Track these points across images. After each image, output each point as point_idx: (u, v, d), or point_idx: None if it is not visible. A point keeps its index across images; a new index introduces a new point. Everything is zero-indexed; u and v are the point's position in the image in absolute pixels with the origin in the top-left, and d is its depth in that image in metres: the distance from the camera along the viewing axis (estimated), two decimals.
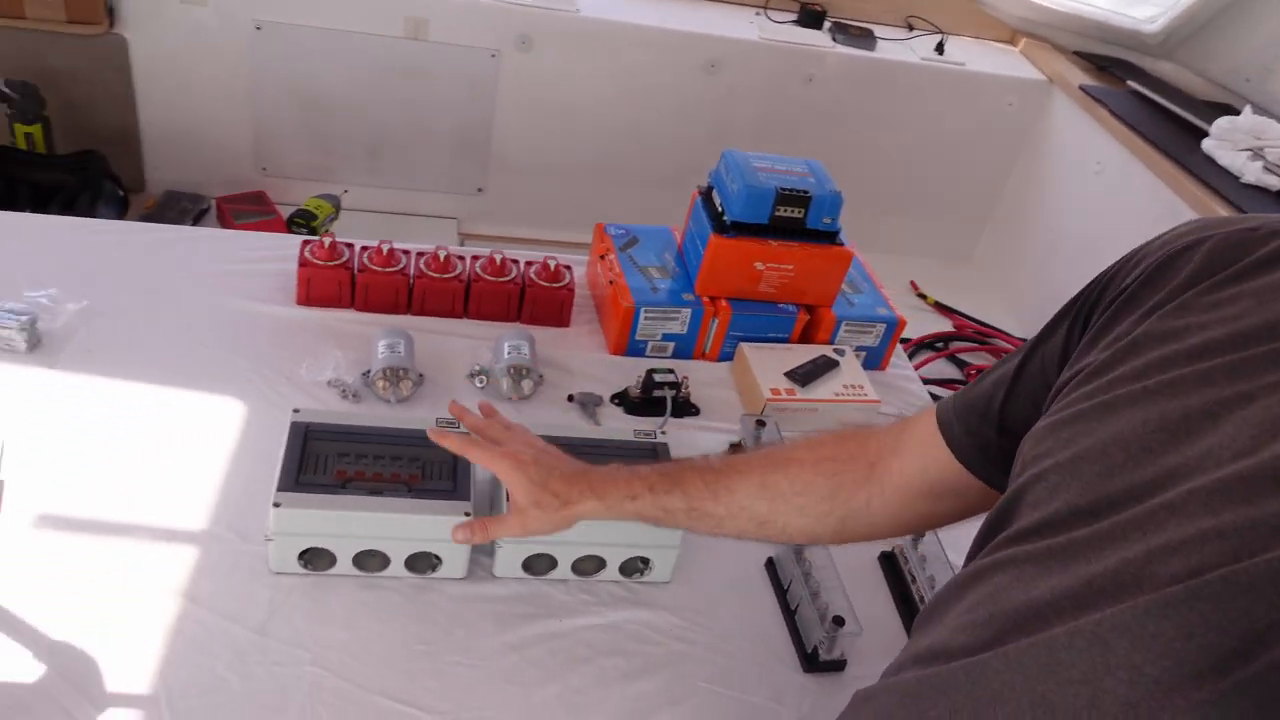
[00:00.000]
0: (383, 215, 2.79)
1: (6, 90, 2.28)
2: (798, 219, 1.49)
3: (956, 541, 1.26)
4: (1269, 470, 0.53)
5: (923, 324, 2.83)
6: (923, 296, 2.97)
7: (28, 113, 2.32)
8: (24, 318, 1.27)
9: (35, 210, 2.16)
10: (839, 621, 1.09)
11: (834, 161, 1.63)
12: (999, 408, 0.81)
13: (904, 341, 1.94)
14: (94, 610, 1.00)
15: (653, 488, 0.97)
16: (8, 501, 1.08)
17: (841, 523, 0.93)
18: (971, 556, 0.72)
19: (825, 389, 1.47)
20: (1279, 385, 0.56)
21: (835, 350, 1.54)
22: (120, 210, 2.38)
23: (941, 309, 2.95)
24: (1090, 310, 0.73)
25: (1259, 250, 0.64)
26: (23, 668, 0.94)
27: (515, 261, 1.55)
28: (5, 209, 2.13)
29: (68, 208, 2.20)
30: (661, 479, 0.97)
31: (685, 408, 1.45)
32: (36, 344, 1.29)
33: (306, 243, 1.48)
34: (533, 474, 0.99)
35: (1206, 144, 2.53)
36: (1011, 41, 3.14)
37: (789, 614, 1.18)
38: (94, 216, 2.22)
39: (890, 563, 1.28)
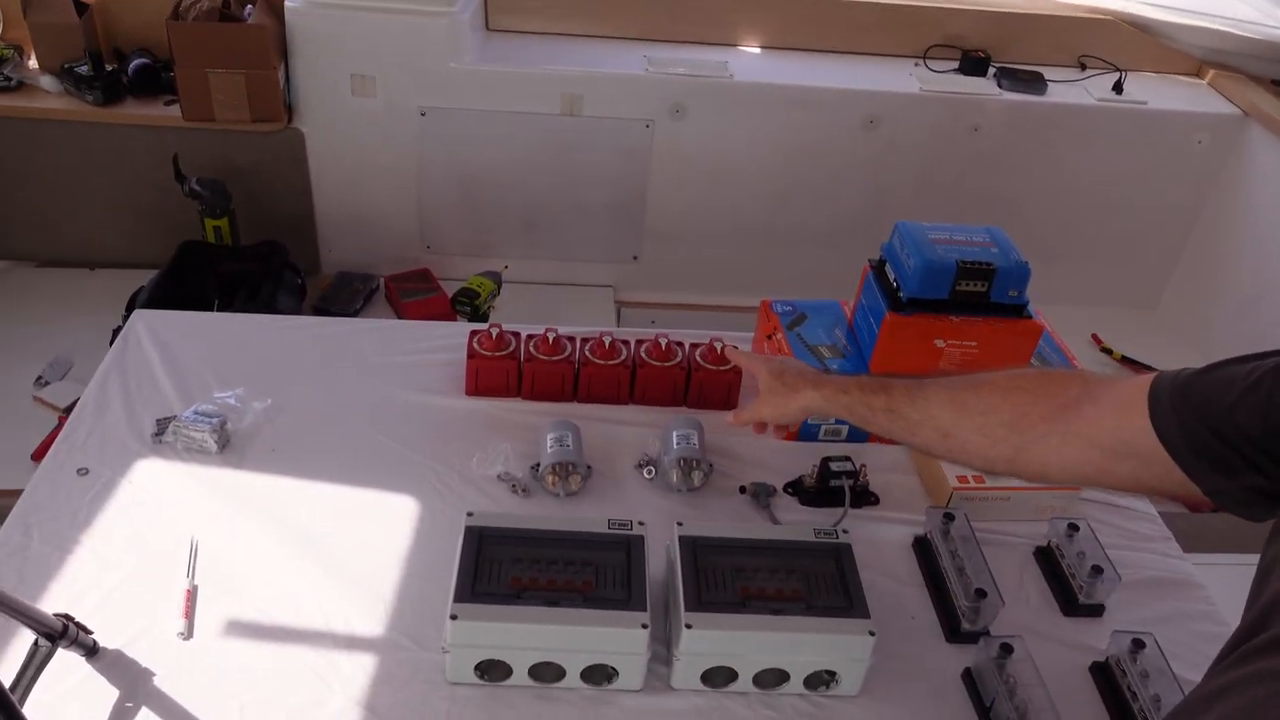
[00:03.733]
0: (542, 287, 2.83)
1: (198, 188, 2.45)
2: (981, 293, 1.39)
3: (1181, 653, 1.13)
4: None
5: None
6: (1108, 351, 2.77)
7: (216, 208, 2.48)
8: (215, 419, 1.32)
9: (223, 299, 2.31)
10: None
11: (1002, 213, 1.54)
12: (1223, 409, 0.74)
13: None
14: (281, 719, 1.01)
15: (862, 386, 1.09)
16: (200, 605, 1.11)
17: (1017, 451, 0.92)
18: (1220, 661, 0.64)
19: None
20: None
21: None
22: (300, 295, 2.50)
23: (1129, 363, 2.73)
24: None
25: None
26: None
27: (680, 344, 1.52)
28: (197, 298, 2.29)
29: (253, 296, 2.32)
30: (871, 381, 1.09)
31: (864, 497, 1.37)
32: (226, 444, 1.34)
33: (474, 333, 1.49)
34: (772, 365, 1.22)
35: None
36: (1198, 74, 2.92)
37: None
38: (275, 303, 2.35)
39: (1105, 675, 1.15)
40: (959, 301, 1.40)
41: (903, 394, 1.04)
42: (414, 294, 2.66)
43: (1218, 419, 0.74)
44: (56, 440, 1.33)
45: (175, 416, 1.34)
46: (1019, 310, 1.42)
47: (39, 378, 2.29)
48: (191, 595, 1.12)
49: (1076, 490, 1.36)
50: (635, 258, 2.88)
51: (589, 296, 2.85)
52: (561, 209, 2.78)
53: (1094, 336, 2.80)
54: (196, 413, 1.33)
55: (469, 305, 2.58)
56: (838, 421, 1.46)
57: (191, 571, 1.15)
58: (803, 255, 2.78)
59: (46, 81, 2.53)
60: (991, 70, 2.74)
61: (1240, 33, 2.76)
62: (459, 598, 1.03)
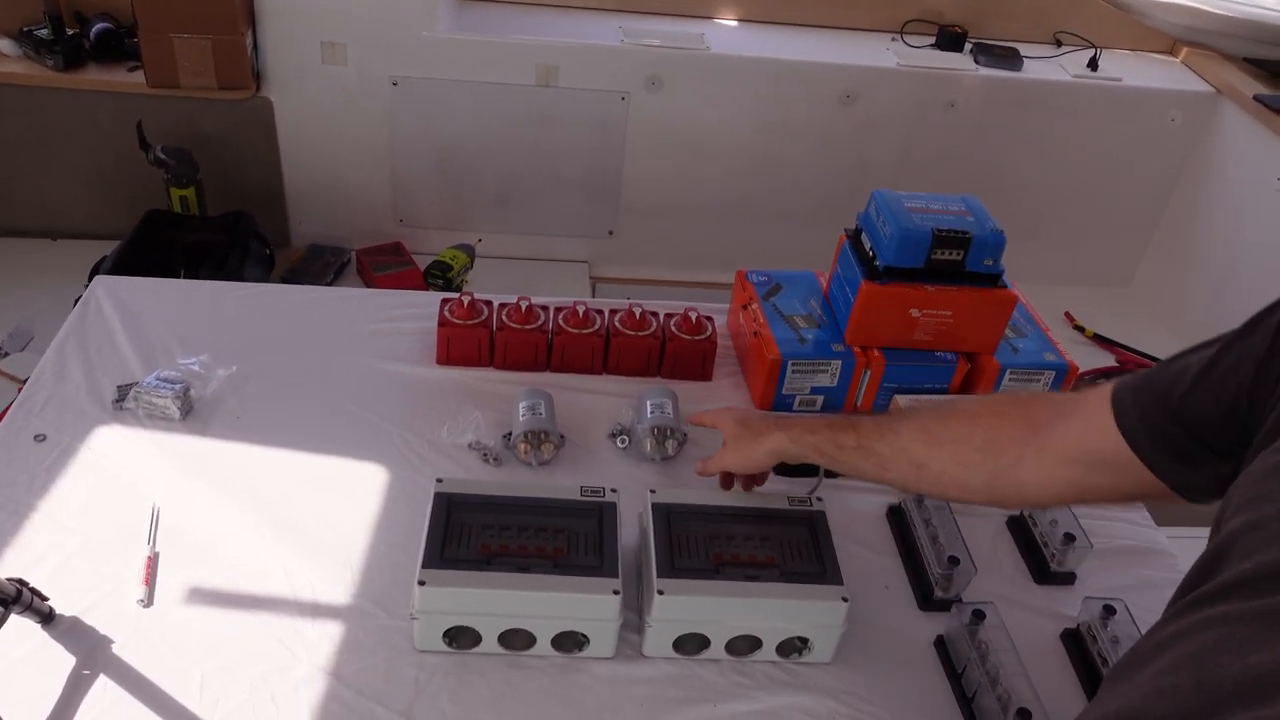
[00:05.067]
0: (516, 261, 2.80)
1: (163, 156, 2.39)
2: (957, 261, 1.39)
3: (1151, 619, 1.13)
4: None
5: (1081, 359, 2.63)
6: (1080, 329, 2.78)
7: (182, 177, 2.43)
8: (178, 386, 1.29)
9: (189, 269, 2.26)
10: (1024, 715, 0.98)
11: (979, 189, 1.53)
12: (1180, 397, 0.76)
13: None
14: (243, 687, 0.99)
15: (830, 425, 1.06)
16: (161, 573, 1.09)
17: (993, 476, 0.92)
18: (1171, 607, 0.64)
19: None
20: None
21: None
22: (268, 267, 2.46)
23: (1101, 341, 2.75)
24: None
25: None
26: None
27: (655, 314, 1.50)
28: (162, 269, 2.24)
29: (219, 267, 2.27)
30: (839, 420, 1.07)
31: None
32: (189, 411, 1.31)
33: (445, 301, 1.47)
34: (736, 414, 1.19)
35: None
36: (1172, 52, 2.92)
37: (965, 701, 1.07)
38: (243, 274, 2.30)
39: (1076, 641, 1.15)
40: (935, 270, 1.39)
41: (872, 430, 1.02)
42: (386, 267, 2.63)
43: (1178, 408, 0.75)
44: (13, 407, 1.29)
45: (137, 383, 1.31)
46: (994, 280, 1.41)
47: None
48: (152, 562, 1.09)
49: None
50: (611, 233, 2.85)
51: (564, 272, 2.82)
52: (536, 182, 2.75)
53: (1067, 314, 2.81)
54: (159, 378, 1.30)
55: (441, 278, 2.54)
56: (813, 390, 1.45)
57: (153, 538, 1.12)
58: (780, 230, 2.76)
59: (4, 45, 2.46)
60: (968, 46, 2.73)
61: (1214, 10, 2.76)
62: (427, 563, 1.01)
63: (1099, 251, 3.00)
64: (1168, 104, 2.73)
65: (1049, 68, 2.72)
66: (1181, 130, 2.77)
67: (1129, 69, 2.77)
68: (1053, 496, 0.94)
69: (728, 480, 1.21)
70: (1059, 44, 2.82)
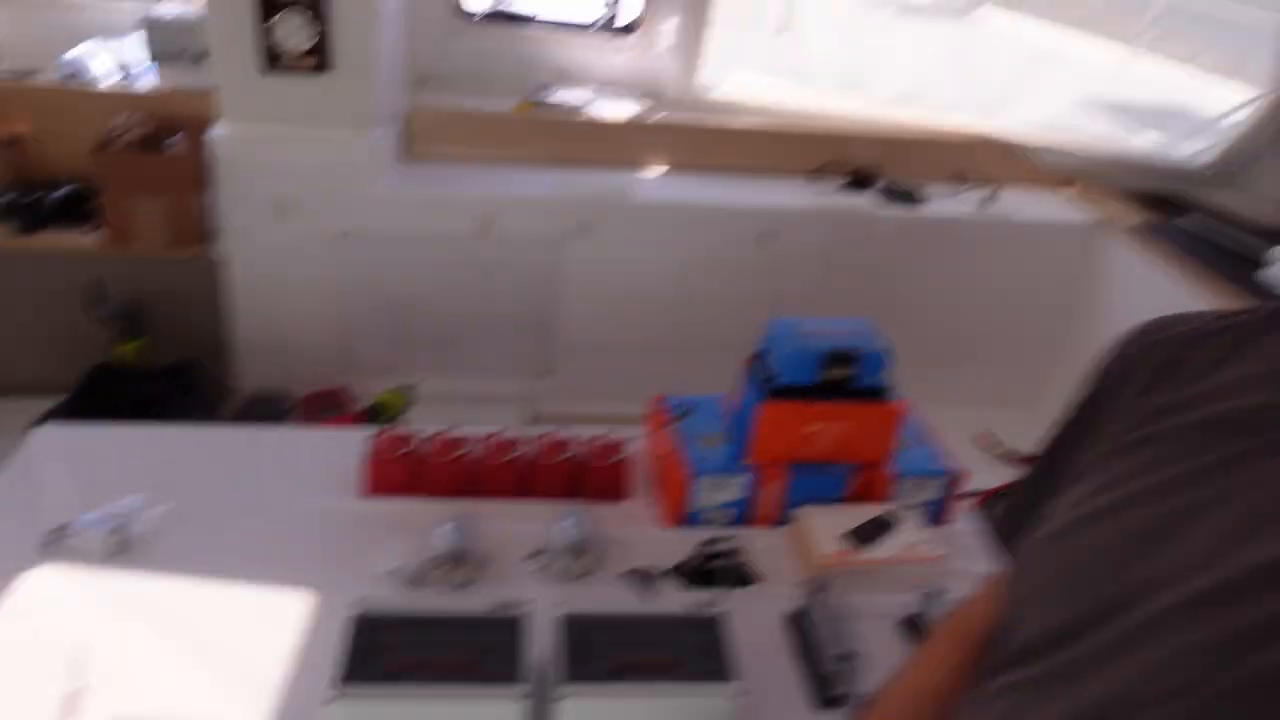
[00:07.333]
0: (457, 404, 2.89)
1: (114, 312, 2.50)
2: (847, 378, 1.50)
3: None
4: (1242, 577, 0.53)
5: (1000, 474, 2.74)
6: (996, 446, 2.90)
7: (131, 332, 2.53)
8: (111, 524, 1.35)
9: (133, 420, 2.32)
10: None
11: (891, 319, 1.64)
12: (1029, 518, 0.78)
13: (979, 494, 1.89)
14: None
15: None
16: (91, 708, 1.12)
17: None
18: (975, 679, 0.71)
19: (886, 547, 1.44)
20: (1244, 487, 0.57)
21: (895, 507, 1.52)
22: (212, 415, 2.53)
23: (1016, 458, 2.86)
24: (1070, 425, 0.77)
25: (1202, 351, 0.66)
26: None
27: (571, 440, 1.59)
28: (106, 420, 2.30)
29: (162, 416, 2.34)
30: None
31: (744, 576, 1.43)
32: (123, 549, 1.36)
33: (372, 436, 1.55)
34: None
35: (1268, 272, 2.49)
36: (1062, 187, 3.17)
37: None
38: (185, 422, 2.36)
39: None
40: (827, 387, 1.51)
41: None
42: (328, 412, 2.70)
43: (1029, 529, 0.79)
44: None
45: (70, 523, 1.36)
46: (883, 393, 1.53)
47: None
48: (78, 700, 1.13)
49: (940, 559, 1.44)
50: (549, 371, 2.97)
51: (505, 411, 2.91)
52: (477, 325, 2.88)
53: (982, 434, 2.93)
54: (93, 518, 1.36)
55: (379, 419, 2.63)
56: (722, 505, 1.53)
57: (79, 675, 1.16)
58: (709, 359, 2.86)
59: None
60: (876, 187, 2.95)
61: (1098, 150, 3.03)
62: (338, 681, 1.06)
63: (1010, 374, 3.15)
64: (1059, 234, 2.95)
65: (951, 205, 2.94)
66: (1073, 259, 2.98)
67: (1024, 204, 3.00)
68: None
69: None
70: (960, 183, 3.06)
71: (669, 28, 2.93)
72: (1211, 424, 0.61)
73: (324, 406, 2.72)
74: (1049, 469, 0.79)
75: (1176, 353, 0.67)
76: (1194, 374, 0.65)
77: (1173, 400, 0.64)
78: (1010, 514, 0.86)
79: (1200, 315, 0.70)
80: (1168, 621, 0.55)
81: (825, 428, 1.51)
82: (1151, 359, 0.69)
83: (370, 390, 2.77)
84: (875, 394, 1.52)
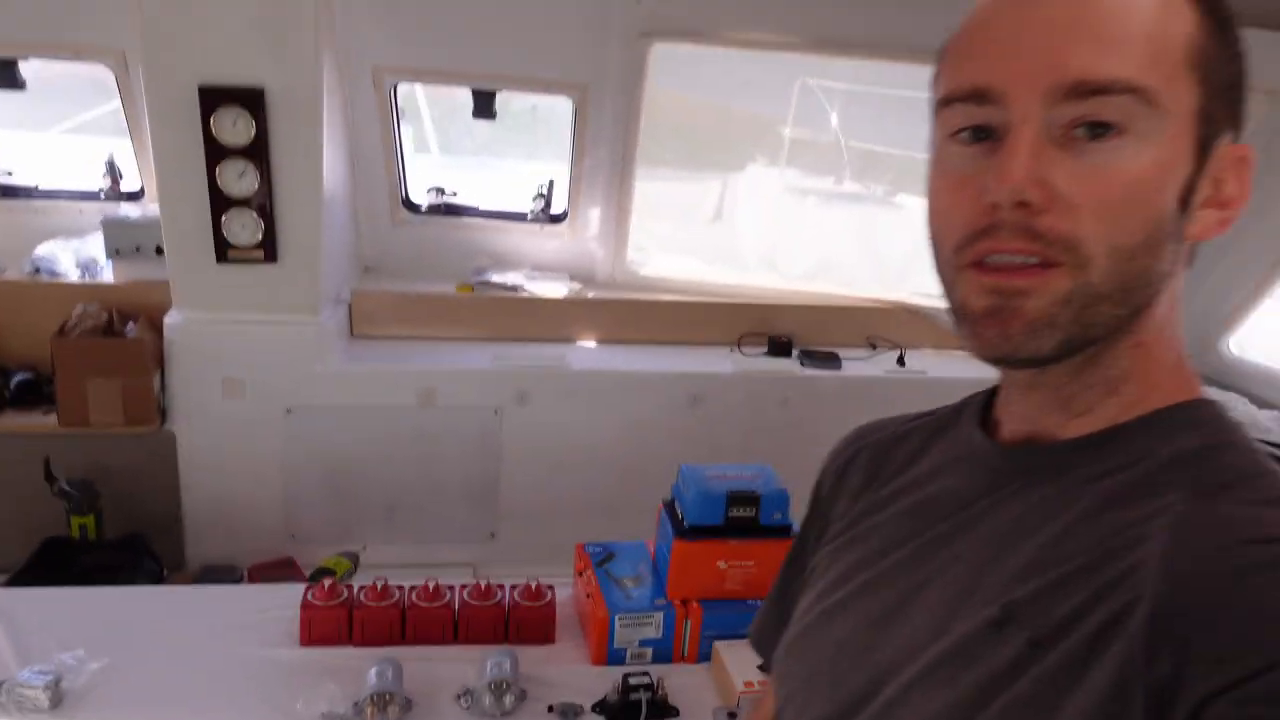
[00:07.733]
0: (401, 569, 2.94)
1: (67, 489, 2.57)
2: (750, 517, 1.64)
3: None
4: (957, 649, 0.60)
5: None
6: None
7: (84, 505, 2.59)
8: (49, 677, 1.41)
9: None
10: None
11: (813, 471, 1.79)
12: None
13: None
14: None
15: None
16: None
17: None
18: None
19: None
20: (948, 563, 0.65)
21: None
22: (158, 584, 2.57)
23: None
24: (803, 530, 0.86)
25: (901, 449, 0.77)
26: None
27: (500, 586, 1.69)
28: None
29: (110, 585, 2.39)
30: None
31: (664, 709, 1.51)
32: (59, 702, 1.41)
33: (309, 588, 1.64)
34: None
35: None
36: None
37: None
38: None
39: None
40: (734, 526, 1.64)
41: None
42: (276, 580, 2.75)
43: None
44: None
45: (7, 680, 1.42)
46: (785, 531, 1.66)
47: None
48: None
49: None
50: (493, 535, 3.06)
51: (448, 575, 2.96)
52: (420, 493, 2.98)
53: None
54: (32, 672, 1.42)
55: None
56: (642, 643, 1.62)
57: None
58: (640, 519, 3.00)
59: None
60: (795, 352, 3.18)
61: None
62: None
63: None
64: (965, 390, 3.15)
65: (864, 366, 3.16)
66: None
67: (931, 364, 3.23)
68: None
69: None
70: (873, 347, 3.30)
71: (594, 216, 3.21)
72: (920, 509, 0.71)
73: (272, 577, 2.76)
74: (789, 575, 0.88)
75: (882, 453, 0.79)
76: (897, 469, 0.77)
77: (890, 491, 0.75)
78: (762, 626, 0.92)
79: (895, 420, 0.83)
80: (909, 700, 0.61)
81: (735, 564, 1.64)
82: (861, 460, 0.81)
83: (318, 558, 2.82)
84: (779, 531, 1.66)
